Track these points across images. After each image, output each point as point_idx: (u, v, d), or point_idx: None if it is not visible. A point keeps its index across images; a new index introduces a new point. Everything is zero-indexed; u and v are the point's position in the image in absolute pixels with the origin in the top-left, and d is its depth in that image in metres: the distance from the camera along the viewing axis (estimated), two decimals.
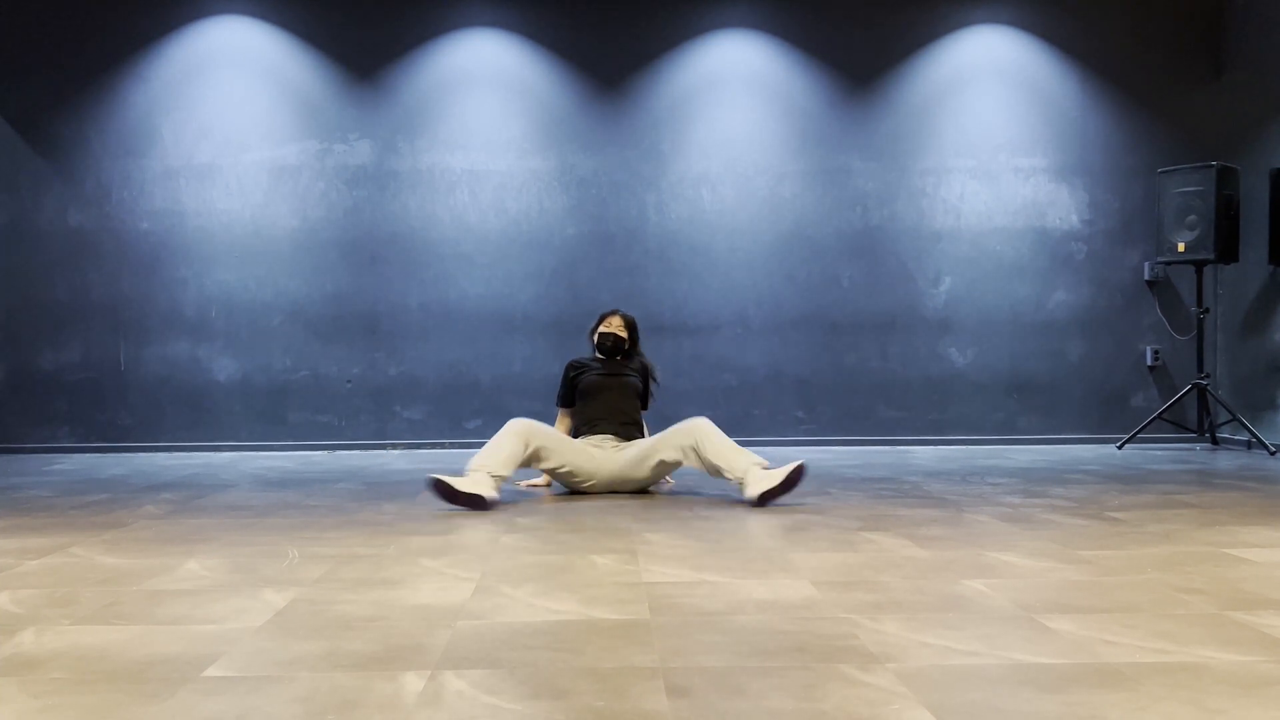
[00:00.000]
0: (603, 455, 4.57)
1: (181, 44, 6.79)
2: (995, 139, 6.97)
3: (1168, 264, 6.67)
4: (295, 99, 6.80)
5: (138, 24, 6.75)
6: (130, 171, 6.73)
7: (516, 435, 4.33)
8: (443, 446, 6.74)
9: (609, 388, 4.79)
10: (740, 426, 6.79)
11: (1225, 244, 6.35)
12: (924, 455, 6.29)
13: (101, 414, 6.71)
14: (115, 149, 6.73)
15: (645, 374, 4.98)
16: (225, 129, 6.78)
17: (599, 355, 4.96)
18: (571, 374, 4.92)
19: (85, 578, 2.92)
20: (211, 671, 2.07)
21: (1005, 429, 6.93)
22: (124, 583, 2.86)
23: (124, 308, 6.72)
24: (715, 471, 4.31)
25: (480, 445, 6.63)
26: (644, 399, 4.96)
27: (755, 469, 4.21)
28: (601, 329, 4.95)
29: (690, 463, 4.39)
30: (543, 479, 4.76)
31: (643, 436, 4.81)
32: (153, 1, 6.76)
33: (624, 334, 4.93)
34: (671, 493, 4.64)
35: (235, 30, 6.81)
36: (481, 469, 4.19)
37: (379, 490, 4.78)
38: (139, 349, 6.72)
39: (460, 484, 4.09)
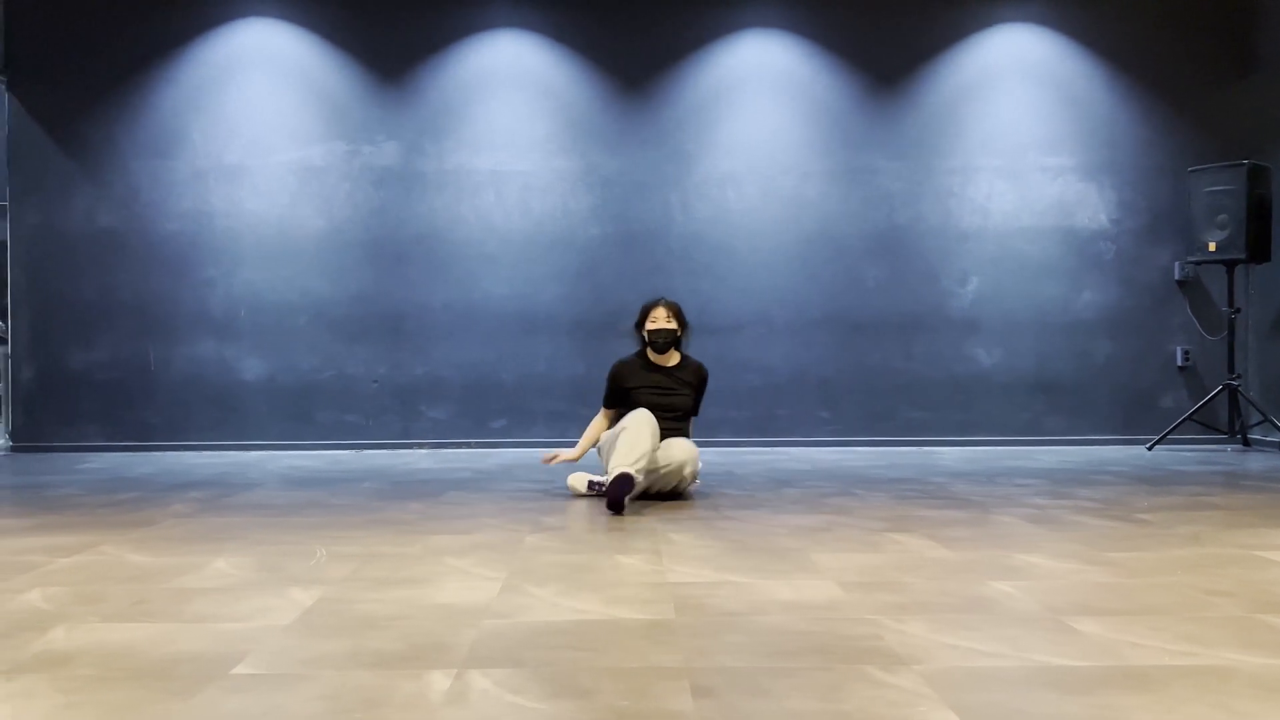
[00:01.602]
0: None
1: (210, 46, 6.84)
2: (1022, 138, 6.92)
3: (1198, 263, 6.61)
4: (322, 101, 6.84)
5: (166, 27, 6.81)
6: (158, 173, 6.79)
7: (653, 434, 4.25)
8: (468, 446, 6.76)
9: (659, 407, 4.57)
10: (764, 427, 6.78)
11: (1257, 243, 6.29)
12: (949, 456, 6.26)
13: (130, 413, 6.77)
14: (144, 150, 6.79)
15: (699, 383, 4.78)
16: (253, 130, 6.82)
17: (652, 353, 4.73)
18: (625, 385, 4.68)
19: (114, 575, 2.95)
20: (238, 669, 2.08)
21: (1032, 430, 6.88)
22: (152, 581, 2.88)
23: (152, 308, 6.78)
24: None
25: (504, 445, 6.70)
26: (696, 407, 4.82)
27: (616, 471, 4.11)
28: (649, 325, 4.70)
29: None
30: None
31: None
32: (181, 4, 6.82)
33: (673, 325, 4.71)
34: (696, 492, 4.63)
35: (263, 33, 6.85)
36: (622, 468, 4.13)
37: (404, 489, 4.80)
38: (167, 349, 6.77)
39: (610, 483, 4.03)
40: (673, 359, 4.75)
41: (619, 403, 4.69)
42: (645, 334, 4.72)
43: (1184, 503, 4.26)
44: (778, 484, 4.94)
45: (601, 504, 4.25)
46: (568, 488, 4.66)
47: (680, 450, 4.38)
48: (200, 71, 6.83)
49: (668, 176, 6.86)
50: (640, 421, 4.25)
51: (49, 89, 6.78)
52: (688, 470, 4.39)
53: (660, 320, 4.68)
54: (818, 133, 6.90)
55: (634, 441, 4.15)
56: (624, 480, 4.01)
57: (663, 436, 4.51)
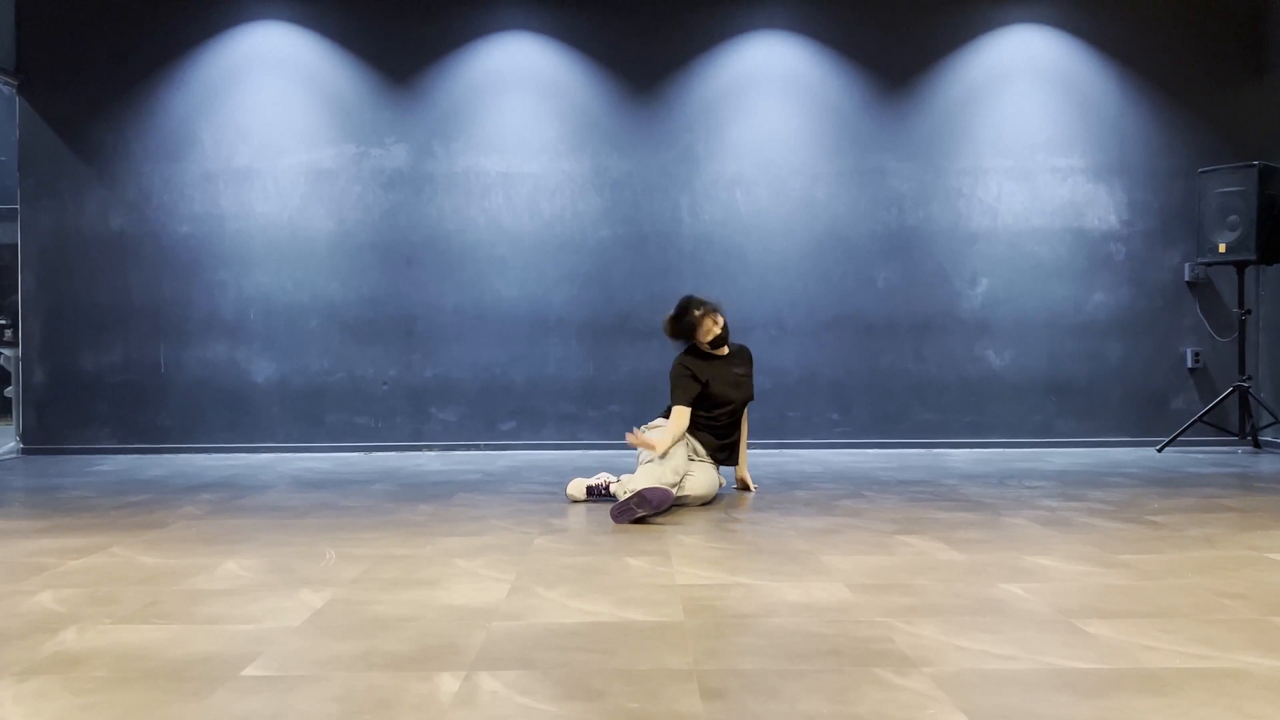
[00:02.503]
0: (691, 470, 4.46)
1: (220, 50, 6.86)
2: (1032, 139, 6.91)
3: (1208, 265, 6.58)
4: (332, 103, 6.86)
5: (177, 31, 6.83)
6: (170, 176, 6.81)
7: (684, 464, 4.26)
8: (477, 448, 6.76)
9: (733, 401, 4.61)
10: (774, 429, 6.77)
11: (1267, 244, 6.26)
12: (960, 458, 6.24)
13: (142, 415, 6.79)
14: (155, 153, 6.81)
15: (751, 364, 4.79)
16: (263, 133, 6.84)
17: (708, 348, 4.60)
18: (700, 379, 4.53)
19: (126, 577, 2.96)
20: (249, 671, 2.09)
21: (1043, 431, 6.86)
22: (164, 582, 2.89)
23: (164, 310, 6.80)
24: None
25: (514, 447, 6.70)
26: (751, 390, 4.77)
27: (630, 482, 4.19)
28: (703, 338, 4.57)
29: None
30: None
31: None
32: (191, 8, 6.84)
33: (720, 325, 4.62)
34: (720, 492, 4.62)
35: (273, 36, 6.87)
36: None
37: (415, 491, 4.81)
38: (179, 351, 6.79)
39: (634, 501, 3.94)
40: (724, 350, 4.70)
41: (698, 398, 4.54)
42: (704, 346, 4.60)
43: (1196, 505, 4.25)
44: (788, 486, 4.94)
45: (606, 507, 4.21)
46: (566, 495, 4.54)
47: (701, 487, 4.34)
48: (210, 75, 6.85)
49: (677, 178, 6.86)
50: (677, 450, 4.27)
51: (60, 93, 6.81)
52: (700, 503, 4.40)
53: (714, 331, 4.58)
54: (827, 134, 6.90)
55: (662, 475, 4.12)
56: (645, 503, 3.90)
57: (728, 433, 4.64)
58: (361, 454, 6.64)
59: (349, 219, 6.82)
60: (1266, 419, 6.60)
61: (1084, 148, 6.90)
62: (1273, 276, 6.73)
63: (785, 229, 6.85)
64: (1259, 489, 4.75)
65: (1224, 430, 6.67)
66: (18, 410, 6.85)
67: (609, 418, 6.77)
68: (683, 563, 3.10)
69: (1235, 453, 6.43)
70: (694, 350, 4.64)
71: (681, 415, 4.46)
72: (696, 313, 4.58)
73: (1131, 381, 6.88)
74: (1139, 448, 6.72)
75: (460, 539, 3.54)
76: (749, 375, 4.74)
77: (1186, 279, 6.88)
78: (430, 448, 6.77)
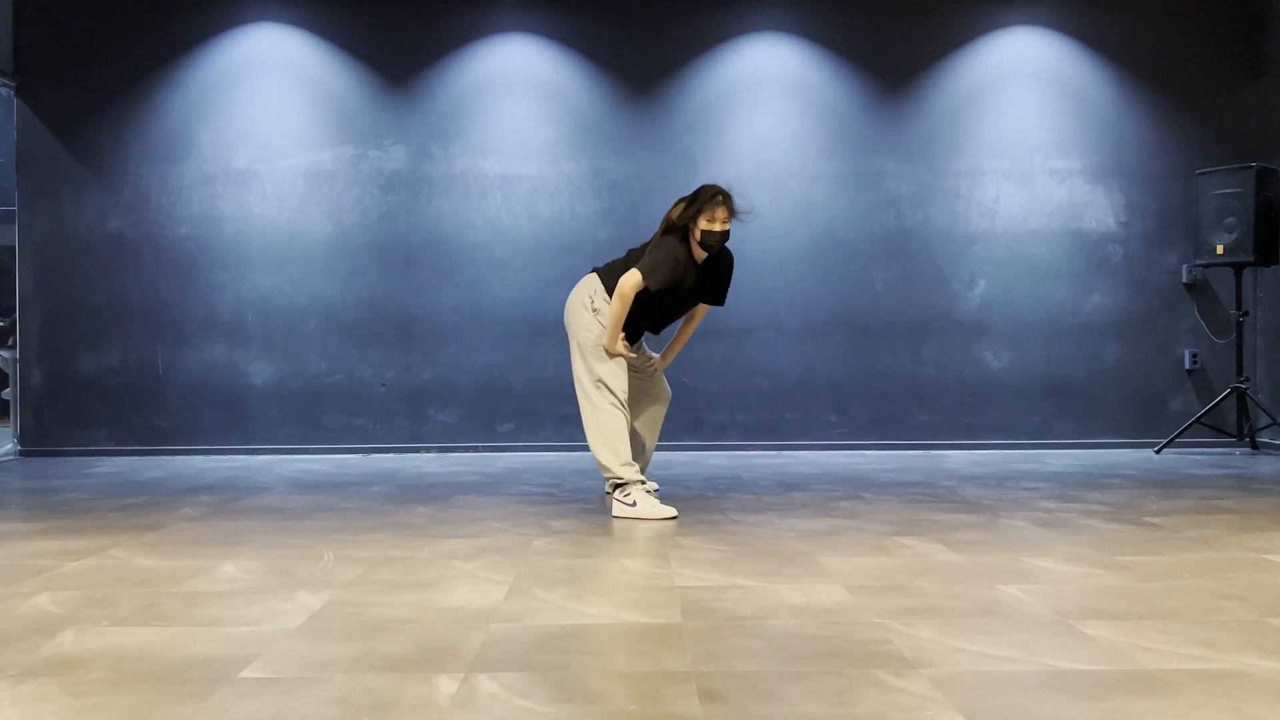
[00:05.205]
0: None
1: (218, 51, 6.86)
2: (1030, 141, 6.91)
3: (1206, 266, 6.58)
4: (330, 105, 6.86)
5: (175, 32, 6.83)
6: (168, 178, 6.81)
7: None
8: (475, 450, 6.76)
9: (667, 318, 4.40)
10: (773, 431, 6.77)
11: (1265, 246, 6.27)
12: (958, 460, 6.25)
13: (140, 417, 6.79)
14: (154, 155, 6.81)
15: (727, 273, 4.32)
16: (261, 135, 6.84)
17: (695, 249, 4.11)
18: (669, 285, 4.08)
19: (124, 579, 2.96)
20: (248, 673, 2.09)
21: (1041, 433, 6.86)
22: (162, 584, 2.89)
23: (162, 312, 6.79)
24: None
25: (512, 449, 6.70)
26: (722, 296, 4.38)
27: (632, 489, 4.06)
28: (705, 225, 4.02)
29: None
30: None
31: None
32: (189, 10, 6.84)
33: (729, 227, 4.09)
34: (704, 496, 4.62)
35: (271, 37, 6.87)
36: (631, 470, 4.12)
37: (413, 493, 4.81)
38: (177, 353, 6.79)
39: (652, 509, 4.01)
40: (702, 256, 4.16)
41: (645, 299, 4.09)
42: (699, 232, 4.05)
43: (1194, 506, 4.25)
44: (786, 488, 4.94)
45: (603, 509, 4.20)
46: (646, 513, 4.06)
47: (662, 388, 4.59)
48: (208, 77, 6.85)
49: (676, 180, 6.85)
50: (622, 373, 4.30)
51: (58, 95, 6.80)
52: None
53: (719, 223, 4.04)
54: (825, 136, 6.90)
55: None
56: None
57: (665, 325, 4.46)
58: (359, 456, 6.64)
59: (347, 221, 6.82)
60: (1264, 420, 6.61)
61: (1082, 150, 6.91)
62: (1270, 278, 6.74)
63: (783, 231, 6.85)
64: (1257, 490, 4.75)
65: (1222, 432, 6.67)
66: (15, 412, 6.84)
67: None
68: (681, 564, 3.10)
69: (1233, 454, 6.44)
70: (684, 243, 4.10)
71: (631, 292, 4.00)
72: (730, 199, 4.06)
73: (1129, 383, 6.88)
74: (1137, 449, 6.72)
75: (458, 541, 3.54)
76: (706, 290, 4.30)
77: (1184, 280, 6.88)
78: (428, 449, 6.77)
